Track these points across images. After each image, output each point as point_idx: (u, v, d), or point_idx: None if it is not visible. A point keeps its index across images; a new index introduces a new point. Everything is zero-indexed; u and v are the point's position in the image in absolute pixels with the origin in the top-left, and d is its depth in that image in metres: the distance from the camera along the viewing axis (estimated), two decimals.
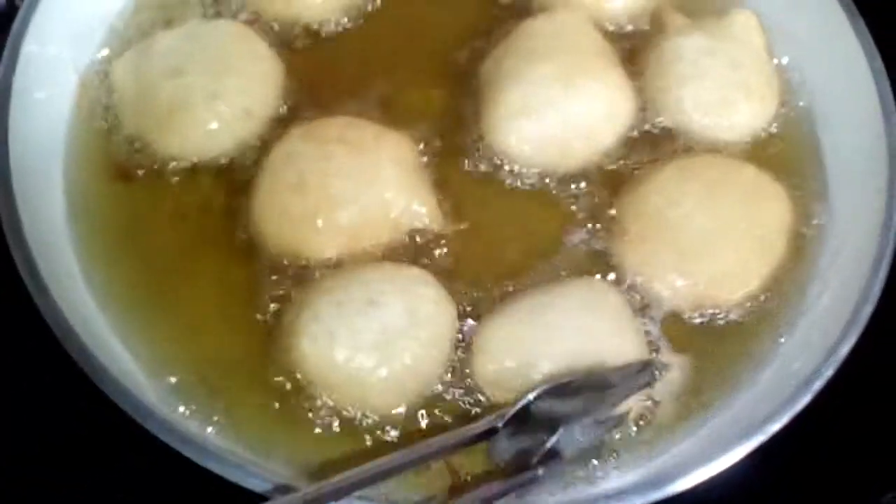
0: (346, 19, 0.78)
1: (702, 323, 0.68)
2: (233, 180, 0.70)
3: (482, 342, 0.64)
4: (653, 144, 0.74)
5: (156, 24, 0.75)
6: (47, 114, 0.70)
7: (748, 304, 0.68)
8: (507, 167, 0.72)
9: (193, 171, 0.70)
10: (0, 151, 0.63)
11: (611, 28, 0.78)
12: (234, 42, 0.72)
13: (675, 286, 0.67)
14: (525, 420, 0.59)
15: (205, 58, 0.70)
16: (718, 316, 0.68)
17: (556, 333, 0.62)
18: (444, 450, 0.58)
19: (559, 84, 0.70)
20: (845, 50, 0.74)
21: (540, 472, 0.59)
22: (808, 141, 0.77)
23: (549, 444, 0.59)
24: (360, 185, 0.66)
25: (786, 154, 0.75)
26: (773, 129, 0.76)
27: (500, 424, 0.59)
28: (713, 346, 0.68)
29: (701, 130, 0.74)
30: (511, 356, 0.63)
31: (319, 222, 0.65)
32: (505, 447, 0.60)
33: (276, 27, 0.77)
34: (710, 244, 0.67)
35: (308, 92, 0.74)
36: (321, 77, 0.75)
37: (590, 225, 0.70)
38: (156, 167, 0.70)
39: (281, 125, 0.72)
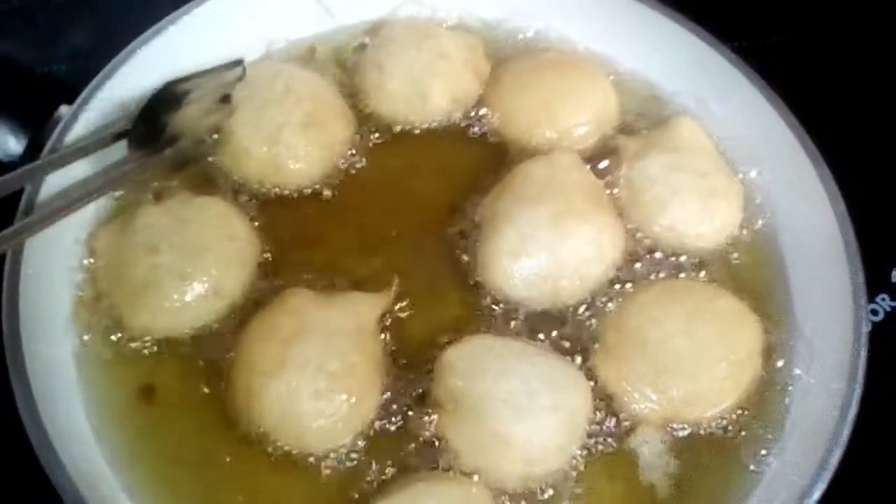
0: (327, 189, 0.79)
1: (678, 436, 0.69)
2: (208, 360, 0.70)
3: None
4: (640, 265, 0.76)
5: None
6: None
7: (719, 421, 0.69)
8: (501, 305, 0.73)
9: (164, 348, 0.70)
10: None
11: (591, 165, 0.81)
12: (213, 222, 0.73)
13: (649, 400, 0.68)
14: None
15: (182, 238, 0.71)
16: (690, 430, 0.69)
17: None
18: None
19: (550, 227, 0.72)
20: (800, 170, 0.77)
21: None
22: (771, 253, 0.79)
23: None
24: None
25: (752, 265, 0.78)
26: (743, 233, 0.79)
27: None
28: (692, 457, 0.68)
29: (687, 242, 0.76)
30: None
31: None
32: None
33: (265, 191, 0.78)
34: (685, 364, 0.69)
35: (284, 262, 0.75)
36: (301, 244, 0.76)
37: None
38: (131, 343, 0.70)
39: (252, 303, 0.72)
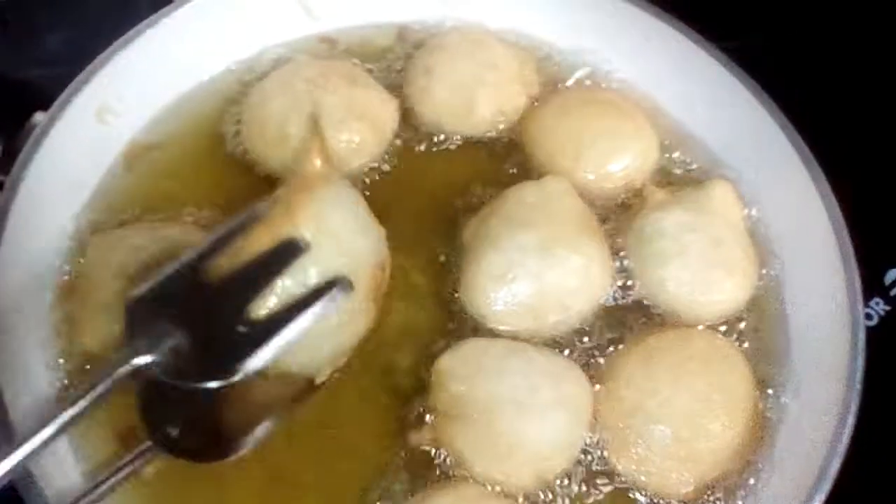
0: None
1: None
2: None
3: None
4: (628, 317, 0.73)
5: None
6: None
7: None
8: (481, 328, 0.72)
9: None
10: None
11: (595, 198, 0.78)
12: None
13: (680, 479, 0.66)
14: None
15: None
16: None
17: None
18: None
19: (536, 253, 0.70)
20: (815, 227, 0.74)
21: None
22: (774, 310, 0.76)
23: None
24: None
25: (753, 330, 0.75)
26: (746, 306, 0.75)
27: None
28: None
29: (679, 307, 0.73)
30: None
31: None
32: None
33: None
34: (698, 426, 0.67)
35: None
36: None
37: None
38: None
39: None
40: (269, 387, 0.63)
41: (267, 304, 0.60)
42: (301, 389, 0.65)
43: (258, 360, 0.58)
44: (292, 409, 0.65)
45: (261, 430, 0.63)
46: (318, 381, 0.65)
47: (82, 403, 0.54)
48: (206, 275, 0.60)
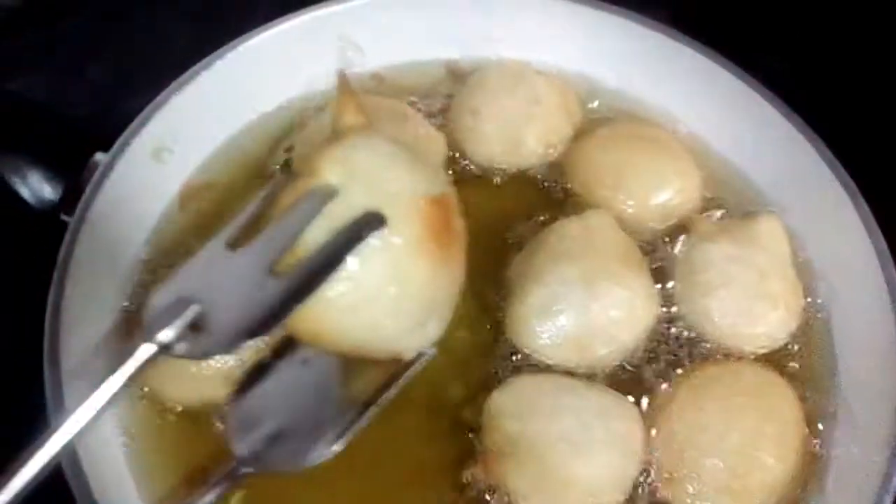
0: None
1: None
2: None
3: None
4: (674, 348, 0.74)
5: None
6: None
7: None
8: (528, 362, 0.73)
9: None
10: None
11: (637, 231, 0.79)
12: None
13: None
14: None
15: None
16: None
17: None
18: None
19: (580, 286, 0.71)
20: (863, 266, 0.74)
21: None
22: (821, 342, 0.76)
23: None
24: None
25: (801, 361, 0.75)
26: (792, 338, 0.76)
27: None
28: None
29: (724, 338, 0.75)
30: None
31: None
32: None
33: None
34: (751, 460, 0.67)
35: None
36: None
37: None
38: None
39: None
40: (355, 375, 0.61)
41: (295, 257, 0.53)
42: (392, 372, 0.61)
43: (286, 312, 0.52)
44: (388, 395, 0.61)
45: (358, 423, 0.61)
46: (407, 357, 0.58)
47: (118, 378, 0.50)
48: (232, 249, 0.54)
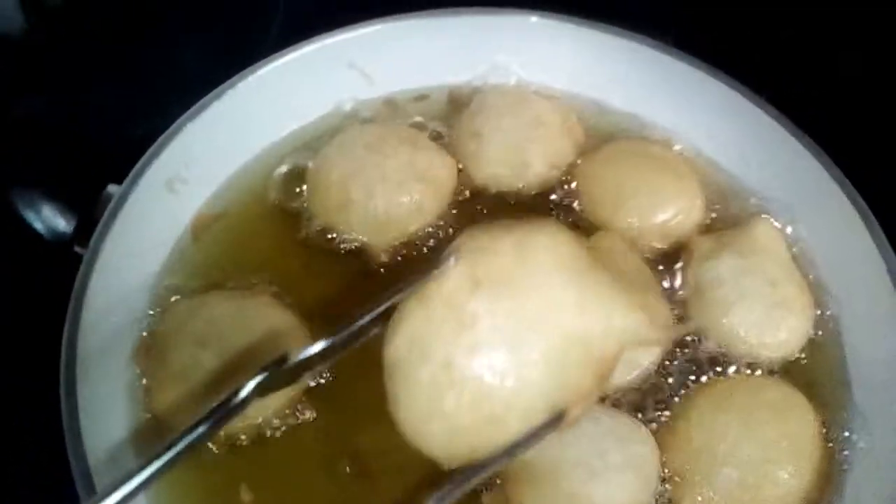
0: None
1: None
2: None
3: None
4: (690, 367, 0.74)
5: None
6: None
7: None
8: None
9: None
10: None
11: (642, 250, 0.80)
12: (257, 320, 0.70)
13: None
14: None
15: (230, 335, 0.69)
16: None
17: None
18: None
19: None
20: (869, 267, 0.75)
21: None
22: (833, 351, 0.77)
23: None
24: None
25: (815, 364, 0.75)
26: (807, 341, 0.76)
27: None
28: None
29: (747, 351, 0.75)
30: None
31: None
32: None
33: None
34: (765, 472, 0.67)
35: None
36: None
37: None
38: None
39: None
40: None
41: None
42: None
43: None
44: None
45: None
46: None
47: (160, 462, 0.52)
48: None
